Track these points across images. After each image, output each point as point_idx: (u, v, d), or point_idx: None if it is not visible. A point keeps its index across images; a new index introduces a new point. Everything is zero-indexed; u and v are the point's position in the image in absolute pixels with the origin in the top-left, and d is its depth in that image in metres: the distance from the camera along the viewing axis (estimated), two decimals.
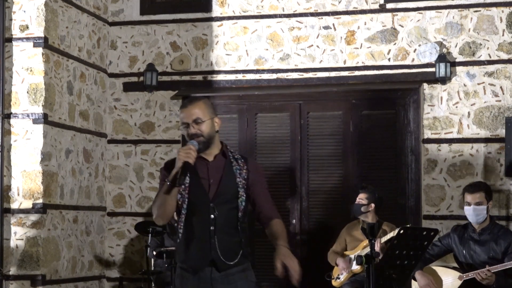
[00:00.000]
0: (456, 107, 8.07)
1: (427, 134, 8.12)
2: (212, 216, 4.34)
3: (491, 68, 8.02)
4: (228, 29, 8.66)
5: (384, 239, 7.11)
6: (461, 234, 6.73)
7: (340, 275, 7.39)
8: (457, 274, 6.62)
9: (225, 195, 4.38)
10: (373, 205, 7.39)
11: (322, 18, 8.45)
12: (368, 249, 5.62)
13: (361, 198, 7.41)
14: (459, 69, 8.09)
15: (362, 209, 7.36)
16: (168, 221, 4.40)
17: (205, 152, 4.39)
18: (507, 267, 6.38)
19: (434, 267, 6.86)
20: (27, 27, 7.66)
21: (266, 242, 8.45)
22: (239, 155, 4.52)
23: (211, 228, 4.34)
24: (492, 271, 6.37)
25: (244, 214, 4.43)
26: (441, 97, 8.11)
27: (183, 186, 4.33)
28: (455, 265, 6.81)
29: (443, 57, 8.03)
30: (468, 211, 6.61)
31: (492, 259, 6.50)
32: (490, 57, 8.03)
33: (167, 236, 7.67)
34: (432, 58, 8.14)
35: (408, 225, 6.91)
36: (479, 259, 6.58)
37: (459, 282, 6.57)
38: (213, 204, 4.35)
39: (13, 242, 7.54)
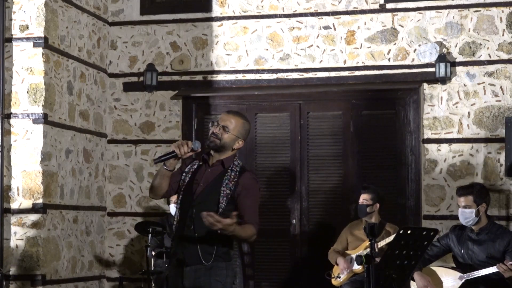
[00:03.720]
0: (456, 107, 8.07)
1: (427, 134, 8.12)
2: (192, 216, 4.77)
3: (491, 68, 8.02)
4: (228, 29, 8.66)
5: (383, 242, 7.10)
6: (459, 234, 6.73)
7: (340, 274, 7.39)
8: (457, 274, 6.62)
9: (206, 199, 4.77)
10: (378, 205, 7.39)
11: (322, 18, 8.45)
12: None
13: (365, 198, 7.40)
14: (459, 69, 8.09)
15: (368, 209, 7.36)
16: (157, 197, 4.94)
17: (212, 155, 4.88)
18: None
19: (433, 268, 6.87)
20: (27, 27, 7.66)
21: (266, 242, 8.50)
22: (241, 168, 4.87)
23: (191, 227, 4.76)
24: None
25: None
26: (441, 97, 8.11)
27: (183, 183, 4.86)
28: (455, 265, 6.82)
29: (443, 57, 8.03)
30: (459, 213, 6.65)
31: (491, 258, 6.51)
32: (490, 57, 8.03)
33: (167, 236, 7.67)
34: (432, 58, 8.14)
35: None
36: (477, 259, 6.58)
37: (460, 283, 6.57)
38: (193, 204, 4.78)
39: (13, 242, 7.54)
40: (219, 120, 4.89)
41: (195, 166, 4.92)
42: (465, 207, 6.57)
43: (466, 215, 6.58)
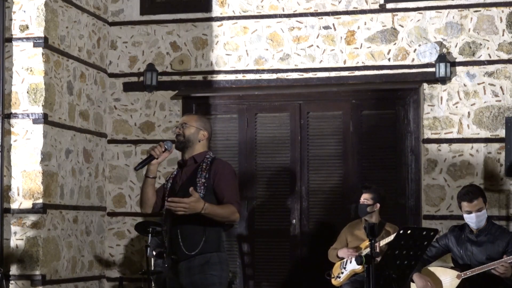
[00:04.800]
0: (456, 107, 8.07)
1: (427, 134, 8.12)
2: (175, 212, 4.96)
3: (491, 68, 8.02)
4: (228, 29, 8.66)
5: (383, 242, 7.09)
6: (458, 235, 6.72)
7: (340, 274, 7.38)
8: (455, 273, 6.62)
9: (185, 194, 4.94)
10: (378, 204, 7.39)
11: (322, 18, 8.45)
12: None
13: (366, 198, 7.40)
14: (459, 69, 8.09)
15: (368, 209, 7.36)
16: (148, 209, 5.22)
17: (187, 155, 5.18)
18: None
19: (432, 268, 6.86)
20: (27, 27, 7.66)
21: (266, 242, 8.50)
22: (212, 159, 5.18)
23: (175, 223, 4.99)
24: (509, 262, 6.34)
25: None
26: (441, 97, 8.11)
27: (168, 190, 5.19)
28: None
29: (443, 57, 8.03)
30: (470, 218, 6.57)
31: (490, 259, 6.50)
32: (490, 57, 8.03)
33: None
34: (432, 58, 8.14)
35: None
36: (476, 259, 6.58)
37: (458, 281, 6.57)
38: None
39: (13, 242, 7.54)
40: (178, 123, 5.32)
41: (174, 173, 5.27)
42: (478, 210, 6.54)
43: (480, 217, 6.55)
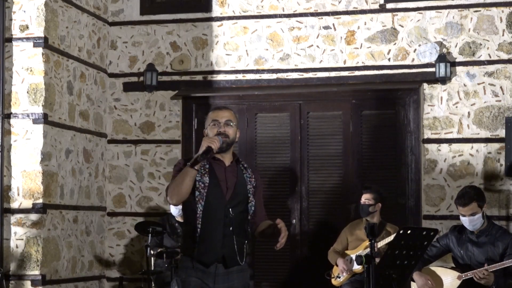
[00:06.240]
0: (456, 107, 8.07)
1: (427, 134, 8.12)
2: (229, 216, 4.70)
3: (491, 68, 8.02)
4: (228, 29, 8.66)
5: (383, 242, 7.09)
6: (459, 235, 6.72)
7: (340, 274, 7.39)
8: (456, 274, 6.62)
9: (238, 199, 4.75)
10: (380, 204, 7.40)
11: (322, 18, 8.45)
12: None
13: (368, 198, 7.40)
14: (459, 69, 8.09)
15: (370, 209, 7.36)
16: (181, 201, 4.72)
17: (222, 156, 4.78)
18: (506, 266, 6.37)
19: (433, 268, 6.86)
20: (27, 27, 7.66)
21: (266, 242, 8.48)
22: (247, 164, 4.92)
23: (230, 228, 4.69)
24: (490, 271, 6.37)
25: (250, 218, 4.80)
26: (441, 97, 8.11)
27: (202, 185, 4.70)
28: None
29: (443, 57, 8.03)
30: (464, 221, 6.59)
31: (490, 260, 6.49)
32: (490, 57, 8.03)
33: (167, 236, 7.68)
34: (432, 58, 8.14)
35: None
36: (477, 260, 6.57)
37: (458, 282, 6.57)
38: (229, 206, 4.71)
39: (13, 242, 7.54)
40: (216, 117, 4.78)
41: (207, 166, 4.75)
42: (472, 214, 6.53)
43: (475, 222, 6.55)
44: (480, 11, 8.08)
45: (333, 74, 8.41)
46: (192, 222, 4.71)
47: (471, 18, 8.10)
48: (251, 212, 4.77)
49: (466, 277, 6.51)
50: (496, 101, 7.99)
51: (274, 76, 8.56)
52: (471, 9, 8.11)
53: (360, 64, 8.33)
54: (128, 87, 8.87)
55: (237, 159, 4.86)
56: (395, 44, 8.28)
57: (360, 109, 8.39)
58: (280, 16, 8.55)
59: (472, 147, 8.01)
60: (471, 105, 8.04)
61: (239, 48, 8.63)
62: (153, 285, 7.45)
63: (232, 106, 8.62)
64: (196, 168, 4.62)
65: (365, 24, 8.35)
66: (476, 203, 6.51)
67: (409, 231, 5.01)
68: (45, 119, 7.63)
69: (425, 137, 8.13)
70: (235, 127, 4.78)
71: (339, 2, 8.41)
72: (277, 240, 4.63)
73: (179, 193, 4.66)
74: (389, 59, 8.28)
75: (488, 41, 8.04)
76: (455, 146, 8.05)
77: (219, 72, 8.67)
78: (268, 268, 8.47)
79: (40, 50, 7.63)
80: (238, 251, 4.70)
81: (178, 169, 4.75)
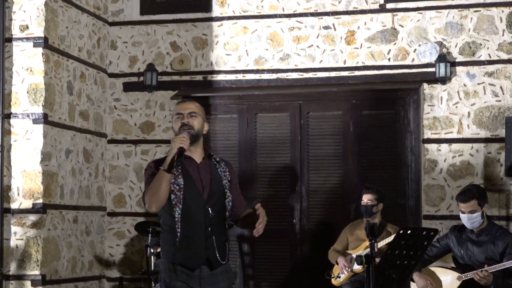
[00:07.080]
0: (456, 107, 8.07)
1: (427, 134, 8.12)
2: (208, 216, 4.56)
3: (491, 68, 8.02)
4: (228, 29, 8.66)
5: (383, 242, 7.09)
6: (459, 235, 6.71)
7: (340, 274, 7.39)
8: (456, 274, 6.61)
9: (216, 196, 4.61)
10: (381, 204, 7.39)
11: (322, 18, 8.45)
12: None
13: (370, 199, 7.38)
14: (459, 69, 8.09)
15: (374, 209, 7.36)
16: (160, 208, 4.53)
17: (192, 152, 4.62)
18: (505, 267, 6.37)
19: (432, 268, 6.86)
20: (27, 27, 7.66)
21: (266, 242, 8.49)
22: (219, 158, 4.77)
23: (209, 228, 4.55)
24: (490, 271, 6.37)
25: (229, 214, 4.67)
26: (441, 97, 8.11)
27: (177, 187, 4.53)
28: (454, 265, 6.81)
29: (443, 57, 8.03)
30: (463, 218, 6.58)
31: (490, 260, 6.49)
32: (490, 57, 8.03)
33: None
34: (432, 58, 8.14)
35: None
36: (477, 260, 6.57)
37: (458, 283, 6.57)
38: (208, 205, 4.56)
39: (13, 242, 7.54)
40: (180, 110, 4.64)
41: (179, 166, 4.56)
42: (471, 212, 6.53)
43: (473, 219, 6.54)
44: (480, 11, 8.08)
45: (333, 74, 8.41)
46: (171, 227, 4.54)
47: (471, 18, 8.10)
48: (229, 208, 4.62)
49: (466, 278, 6.51)
50: (496, 101, 7.99)
51: (274, 76, 8.56)
52: (471, 9, 8.11)
53: (360, 64, 8.34)
54: (128, 87, 8.87)
55: (209, 154, 4.70)
56: (395, 44, 8.28)
57: (360, 109, 8.39)
58: (280, 16, 8.55)
59: (472, 147, 8.01)
60: (471, 105, 8.04)
61: (239, 48, 8.63)
62: (153, 285, 7.45)
63: (232, 106, 8.64)
64: (170, 171, 4.44)
65: (365, 24, 8.35)
66: (476, 201, 6.51)
67: (409, 231, 5.01)
68: (45, 119, 7.63)
69: (425, 137, 8.13)
70: (200, 118, 4.62)
71: (339, 2, 8.41)
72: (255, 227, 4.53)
73: (158, 200, 4.47)
74: (389, 59, 8.28)
75: (488, 41, 8.04)
76: (455, 146, 8.05)
77: (219, 72, 8.67)
78: (268, 268, 8.47)
79: (40, 50, 7.63)
80: (220, 251, 4.56)
81: (150, 173, 4.57)
